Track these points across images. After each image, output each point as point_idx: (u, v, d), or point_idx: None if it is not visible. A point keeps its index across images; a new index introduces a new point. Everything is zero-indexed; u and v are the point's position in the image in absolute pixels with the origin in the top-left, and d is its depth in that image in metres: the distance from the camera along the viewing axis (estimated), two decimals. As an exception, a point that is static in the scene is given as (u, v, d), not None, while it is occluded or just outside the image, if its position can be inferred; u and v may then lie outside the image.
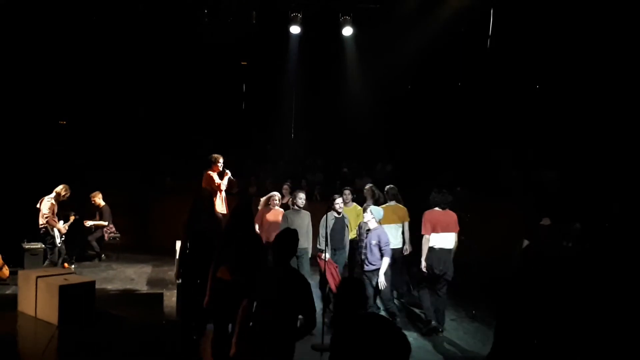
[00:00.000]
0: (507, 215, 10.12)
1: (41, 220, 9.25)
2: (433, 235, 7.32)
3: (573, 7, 10.13)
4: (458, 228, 7.48)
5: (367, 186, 9.34)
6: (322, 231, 7.64)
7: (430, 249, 7.32)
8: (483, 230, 9.57)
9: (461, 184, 11.85)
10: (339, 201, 7.98)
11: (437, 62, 13.44)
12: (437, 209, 7.45)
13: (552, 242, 7.84)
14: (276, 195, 8.65)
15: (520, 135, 12.12)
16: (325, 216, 7.67)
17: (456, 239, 7.44)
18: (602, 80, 10.21)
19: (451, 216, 7.46)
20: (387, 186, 8.72)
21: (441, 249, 7.30)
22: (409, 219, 8.43)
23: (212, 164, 9.12)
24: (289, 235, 4.57)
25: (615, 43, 9.76)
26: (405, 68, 13.49)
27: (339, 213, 7.94)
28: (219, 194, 9.11)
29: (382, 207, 7.90)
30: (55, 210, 9.32)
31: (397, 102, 14.60)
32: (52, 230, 9.27)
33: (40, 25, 11.13)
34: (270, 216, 8.44)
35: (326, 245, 7.61)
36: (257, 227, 8.43)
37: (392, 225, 8.11)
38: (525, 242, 7.97)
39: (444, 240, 7.33)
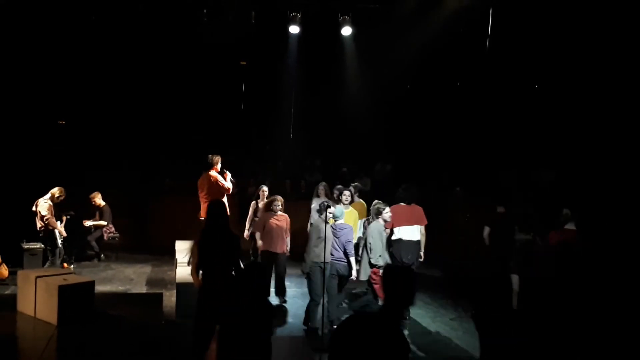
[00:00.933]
0: (505, 215, 10.11)
1: (39, 223, 9.23)
2: (400, 228, 7.87)
3: (571, 6, 10.14)
4: (425, 221, 8.00)
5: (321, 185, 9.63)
6: (374, 243, 7.26)
7: (398, 240, 7.86)
8: (481, 230, 9.56)
9: (460, 184, 11.87)
10: (387, 210, 7.46)
11: (436, 62, 13.44)
12: (402, 204, 8.00)
13: (507, 227, 8.57)
14: (279, 198, 8.18)
15: (520, 135, 12.13)
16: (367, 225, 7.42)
17: (424, 232, 7.96)
18: (602, 79, 10.22)
19: (417, 210, 8.01)
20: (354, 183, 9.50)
21: (408, 241, 7.86)
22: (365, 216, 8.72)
23: (212, 165, 8.97)
24: (406, 275, 3.48)
25: (614, 43, 9.77)
26: (404, 68, 13.49)
27: (385, 222, 7.46)
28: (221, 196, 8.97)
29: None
30: (53, 212, 9.31)
31: (397, 102, 14.60)
32: (53, 232, 9.24)
33: (39, 25, 11.12)
34: (274, 222, 8.01)
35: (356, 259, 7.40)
36: (258, 235, 8.19)
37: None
38: (486, 229, 9.06)
39: (410, 232, 7.88)
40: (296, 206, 10.57)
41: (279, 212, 8.05)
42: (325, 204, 7.41)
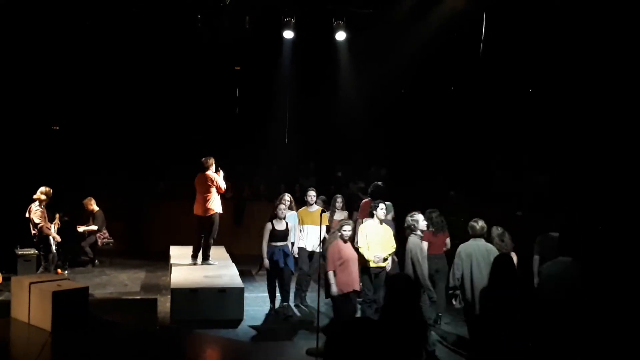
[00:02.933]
0: (500, 219, 10.15)
1: (34, 230, 9.16)
2: None
3: (566, 10, 10.20)
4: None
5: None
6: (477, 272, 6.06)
7: None
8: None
9: (455, 187, 11.90)
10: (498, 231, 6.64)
11: (430, 66, 13.48)
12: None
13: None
14: (350, 223, 6.91)
15: (514, 138, 12.18)
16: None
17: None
18: (596, 82, 10.27)
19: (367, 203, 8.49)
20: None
21: None
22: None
23: (207, 168, 9.08)
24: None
25: (609, 45, 9.83)
26: (398, 72, 13.52)
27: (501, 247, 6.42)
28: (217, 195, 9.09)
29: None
30: (46, 216, 9.23)
31: (391, 106, 14.64)
32: (47, 238, 9.16)
33: (33, 30, 11.10)
34: (350, 253, 6.66)
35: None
36: (331, 275, 6.57)
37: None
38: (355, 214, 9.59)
39: None
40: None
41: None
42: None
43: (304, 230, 8.66)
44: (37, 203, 9.15)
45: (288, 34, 11.89)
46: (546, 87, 11.60)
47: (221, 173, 9.21)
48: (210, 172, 9.06)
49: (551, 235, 7.10)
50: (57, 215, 9.62)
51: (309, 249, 8.65)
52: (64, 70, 12.42)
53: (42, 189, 9.23)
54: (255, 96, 15.08)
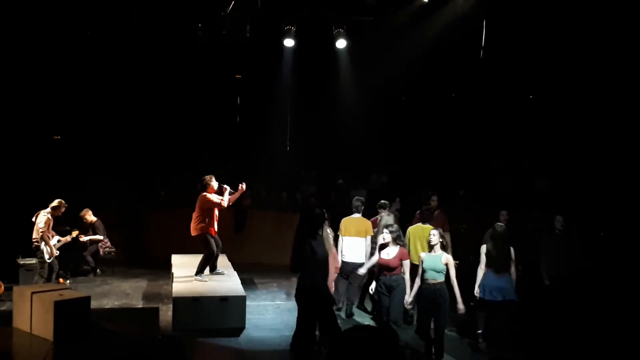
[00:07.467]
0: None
1: (35, 234, 9.12)
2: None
3: (565, 16, 10.23)
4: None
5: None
6: None
7: None
8: (477, 238, 9.58)
9: (456, 192, 11.89)
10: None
11: (430, 73, 13.52)
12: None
13: None
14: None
15: (515, 144, 12.20)
16: None
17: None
18: (596, 87, 10.29)
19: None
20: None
21: None
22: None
23: (206, 187, 8.89)
24: None
25: (608, 51, 9.86)
26: (399, 79, 13.55)
27: None
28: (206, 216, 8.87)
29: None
30: (51, 225, 9.17)
31: (392, 112, 14.66)
32: (43, 246, 9.07)
33: (34, 40, 11.14)
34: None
35: None
36: None
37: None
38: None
39: None
40: (292, 218, 10.56)
41: None
42: None
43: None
44: (47, 210, 9.06)
45: (289, 42, 11.92)
46: (547, 93, 11.63)
47: (227, 189, 8.90)
48: (207, 194, 8.84)
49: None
50: (74, 233, 9.58)
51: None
52: (65, 80, 12.47)
53: (58, 201, 9.10)
54: (257, 104, 15.12)
